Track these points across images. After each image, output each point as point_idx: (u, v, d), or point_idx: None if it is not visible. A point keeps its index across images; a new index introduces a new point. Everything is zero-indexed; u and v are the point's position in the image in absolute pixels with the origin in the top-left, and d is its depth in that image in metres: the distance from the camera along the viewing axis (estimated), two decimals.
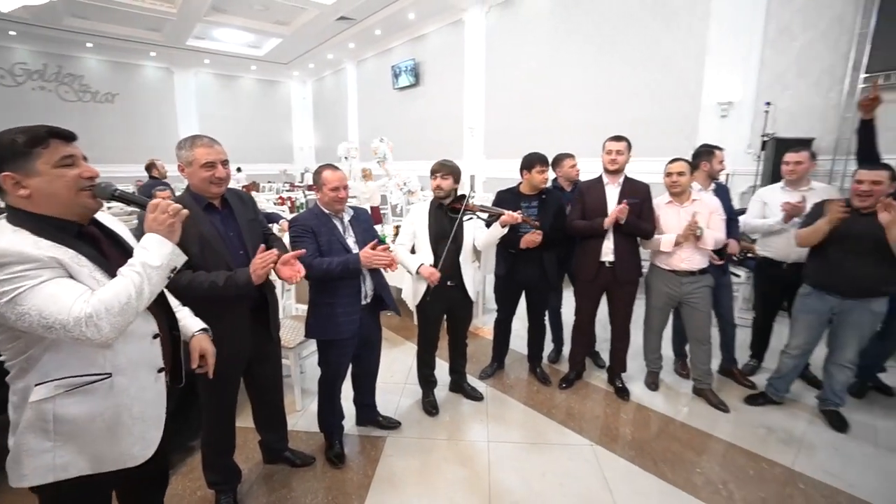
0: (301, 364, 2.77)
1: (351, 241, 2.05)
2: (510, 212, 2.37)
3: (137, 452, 1.17)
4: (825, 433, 2.44)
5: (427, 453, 2.30)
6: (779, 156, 3.49)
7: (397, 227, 4.36)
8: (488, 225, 2.51)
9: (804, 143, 3.96)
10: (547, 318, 3.08)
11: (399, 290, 3.07)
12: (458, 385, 2.83)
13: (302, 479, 2.11)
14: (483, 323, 3.96)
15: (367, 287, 2.11)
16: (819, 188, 2.78)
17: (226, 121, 13.12)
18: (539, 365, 3.03)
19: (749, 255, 3.68)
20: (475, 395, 2.78)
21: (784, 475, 2.11)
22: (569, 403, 2.74)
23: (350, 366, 2.25)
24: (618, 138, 2.62)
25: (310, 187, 8.75)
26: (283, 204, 6.89)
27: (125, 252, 1.17)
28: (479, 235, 2.53)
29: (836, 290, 2.37)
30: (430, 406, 2.65)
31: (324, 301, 2.03)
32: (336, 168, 2.07)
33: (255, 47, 11.37)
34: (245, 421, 2.10)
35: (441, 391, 2.82)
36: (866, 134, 2.62)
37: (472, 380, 2.94)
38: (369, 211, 2.37)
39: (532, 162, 2.63)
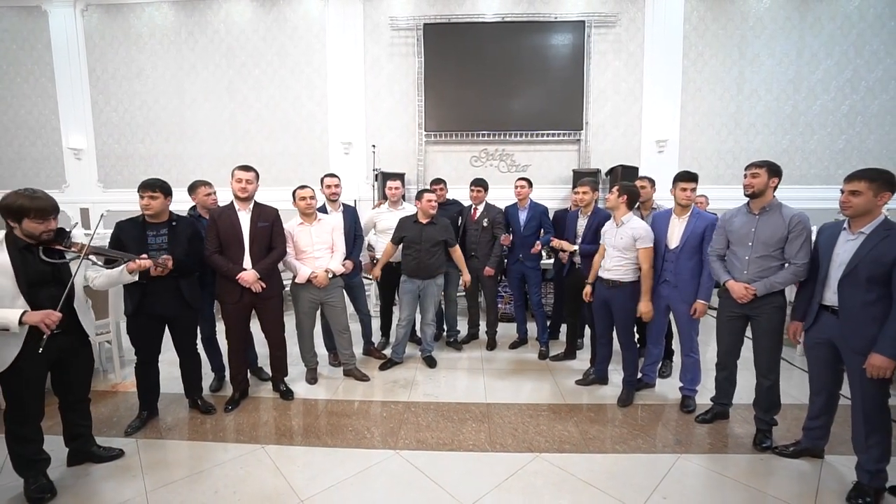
0: None
1: None
2: (141, 259, 2.28)
3: None
4: (426, 371, 3.56)
5: None
6: (384, 185, 4.74)
7: None
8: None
9: (399, 176, 5.52)
10: (202, 347, 3.00)
11: None
12: (86, 452, 2.33)
13: None
14: (124, 377, 3.36)
15: None
16: (408, 206, 4.00)
17: None
18: (200, 396, 2.90)
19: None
20: (110, 455, 2.36)
21: (403, 406, 2.97)
22: (237, 421, 2.79)
23: None
24: (246, 168, 2.88)
25: None
26: None
27: None
28: (91, 275, 2.26)
29: (418, 276, 3.50)
30: (40, 491, 2.05)
31: None
32: None
33: None
34: None
35: (58, 469, 2.25)
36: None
37: (111, 440, 2.51)
38: None
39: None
